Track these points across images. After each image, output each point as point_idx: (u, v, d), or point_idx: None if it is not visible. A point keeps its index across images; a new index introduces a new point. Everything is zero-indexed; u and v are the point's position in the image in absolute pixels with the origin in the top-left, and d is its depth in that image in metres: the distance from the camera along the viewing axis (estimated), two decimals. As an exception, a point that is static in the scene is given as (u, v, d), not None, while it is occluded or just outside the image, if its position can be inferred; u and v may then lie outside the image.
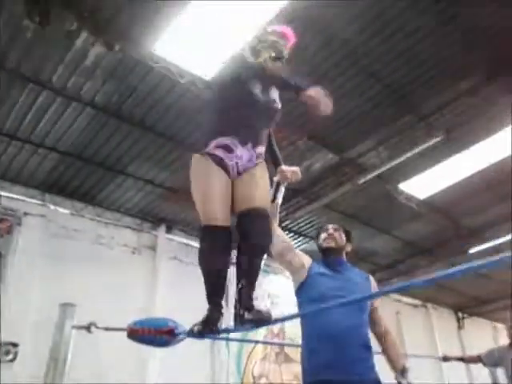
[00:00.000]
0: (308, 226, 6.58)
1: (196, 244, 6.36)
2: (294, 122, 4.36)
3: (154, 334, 1.98)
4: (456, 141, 4.84)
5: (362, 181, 5.13)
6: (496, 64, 3.99)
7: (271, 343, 7.01)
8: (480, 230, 6.97)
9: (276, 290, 7.31)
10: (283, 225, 6.43)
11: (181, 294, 5.49)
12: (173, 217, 6.04)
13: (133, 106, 4.29)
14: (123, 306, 4.87)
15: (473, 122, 4.64)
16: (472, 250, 7.34)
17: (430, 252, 7.34)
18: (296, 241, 6.99)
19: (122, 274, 5.37)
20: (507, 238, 7.06)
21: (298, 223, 6.51)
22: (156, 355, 5.15)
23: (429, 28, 3.68)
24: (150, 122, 4.48)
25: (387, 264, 7.77)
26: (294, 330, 7.21)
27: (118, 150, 4.77)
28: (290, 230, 6.65)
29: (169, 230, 6.09)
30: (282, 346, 7.12)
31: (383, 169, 4.94)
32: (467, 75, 4.16)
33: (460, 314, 10.59)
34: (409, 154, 4.77)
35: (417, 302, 9.48)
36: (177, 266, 6.06)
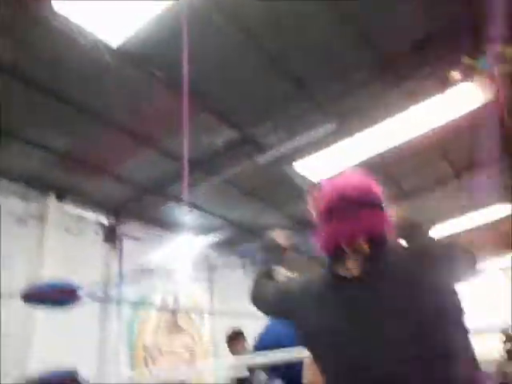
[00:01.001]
0: (206, 199, 6.69)
1: (90, 216, 6.16)
2: (196, 94, 4.41)
3: (57, 295, 1.92)
4: (350, 126, 5.25)
5: (260, 159, 5.36)
6: (390, 57, 4.40)
7: (166, 310, 7.07)
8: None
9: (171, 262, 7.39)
10: (182, 198, 6.48)
11: (71, 267, 5.30)
12: (65, 186, 5.73)
13: (28, 65, 3.96)
14: (6, 276, 4.63)
15: (366, 110, 5.07)
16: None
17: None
18: (193, 215, 7.08)
19: (5, 245, 5.01)
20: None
21: (197, 197, 6.59)
22: (40, 326, 4.98)
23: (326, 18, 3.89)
24: (46, 83, 4.18)
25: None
26: (186, 301, 7.39)
27: (6, 110, 4.39)
28: (188, 204, 6.70)
29: (60, 200, 5.77)
30: (175, 316, 7.25)
31: (281, 149, 5.20)
32: (362, 67, 4.51)
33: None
34: (304, 137, 5.10)
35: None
36: (67, 238, 5.80)
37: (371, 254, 1.06)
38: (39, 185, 5.59)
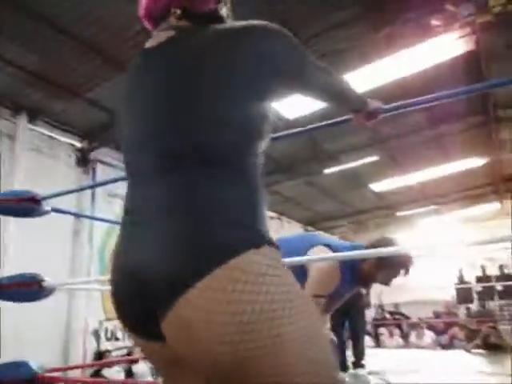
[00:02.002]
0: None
1: (61, 137, 6.10)
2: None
3: (18, 203, 1.93)
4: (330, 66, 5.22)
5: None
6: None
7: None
8: (337, 153, 7.83)
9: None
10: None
11: (41, 186, 5.33)
12: (37, 107, 5.61)
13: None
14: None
15: (345, 52, 5.04)
16: (327, 171, 8.27)
17: (289, 169, 8.08)
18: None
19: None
20: (358, 162, 8.10)
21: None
22: (12, 238, 5.08)
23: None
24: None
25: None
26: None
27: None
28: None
29: (31, 119, 5.67)
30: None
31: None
32: (343, 7, 4.44)
33: (309, 228, 12.04)
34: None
35: (273, 214, 10.47)
36: (39, 159, 5.77)
37: (180, 26, 0.93)
38: (10, 103, 5.46)
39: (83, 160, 6.35)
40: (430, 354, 6.15)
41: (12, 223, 4.98)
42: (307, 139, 7.13)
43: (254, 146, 0.87)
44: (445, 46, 4.98)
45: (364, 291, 4.64)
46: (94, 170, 6.51)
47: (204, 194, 0.77)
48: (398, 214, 12.32)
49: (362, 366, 4.16)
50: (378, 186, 10.01)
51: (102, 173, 6.48)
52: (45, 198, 2.10)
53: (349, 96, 1.21)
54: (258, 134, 0.88)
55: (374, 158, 8.11)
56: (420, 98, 1.67)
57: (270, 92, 0.92)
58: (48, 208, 2.03)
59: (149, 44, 0.96)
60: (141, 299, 0.76)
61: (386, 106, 1.55)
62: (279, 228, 10.59)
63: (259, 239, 0.76)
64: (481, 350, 5.29)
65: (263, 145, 0.91)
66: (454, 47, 5.06)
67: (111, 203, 6.69)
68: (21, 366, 1.90)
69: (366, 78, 5.33)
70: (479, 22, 4.35)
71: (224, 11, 1.01)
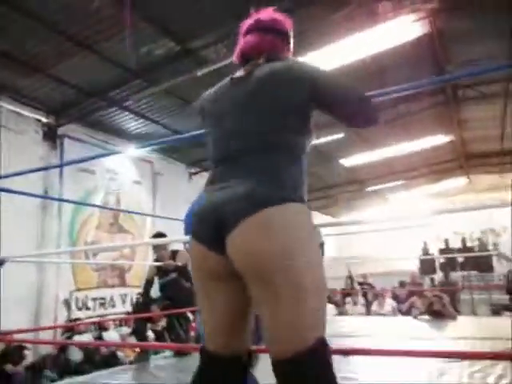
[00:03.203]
0: (148, 108, 6.80)
1: (28, 113, 6.17)
2: (137, 2, 4.39)
3: None
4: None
5: (199, 73, 5.45)
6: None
7: (108, 208, 7.44)
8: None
9: (115, 166, 7.62)
10: (125, 105, 6.57)
11: (7, 164, 5.45)
12: (3, 83, 5.67)
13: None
14: None
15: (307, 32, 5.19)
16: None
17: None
18: (136, 122, 7.20)
19: None
20: (326, 139, 8.32)
21: (139, 105, 6.68)
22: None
23: None
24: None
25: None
26: (129, 204, 7.75)
27: None
28: (131, 111, 6.80)
29: (-4, 96, 5.74)
30: (116, 216, 7.64)
31: (219, 64, 5.30)
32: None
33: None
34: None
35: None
36: (6, 134, 5.85)
37: (259, 64, 1.36)
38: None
39: (50, 135, 6.44)
40: (380, 320, 6.59)
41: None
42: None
43: (305, 142, 1.31)
44: (401, 29, 5.16)
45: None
46: (61, 144, 6.61)
47: (268, 166, 1.22)
48: (368, 188, 12.66)
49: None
50: (348, 161, 10.27)
51: (70, 148, 6.59)
52: (6, 177, 2.27)
53: None
54: (308, 134, 1.34)
55: (341, 135, 8.35)
56: (387, 89, 1.91)
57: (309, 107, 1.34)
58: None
59: (238, 74, 1.39)
60: (217, 224, 1.18)
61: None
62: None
63: (300, 199, 1.21)
64: (426, 317, 5.71)
65: (310, 141, 1.35)
66: (410, 30, 5.25)
67: (80, 178, 6.83)
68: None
69: (328, 57, 5.48)
70: (427, 7, 4.54)
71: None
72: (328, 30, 5.20)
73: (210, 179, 1.32)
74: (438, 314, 5.52)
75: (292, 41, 1.53)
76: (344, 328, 5.29)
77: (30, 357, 5.54)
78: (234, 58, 1.49)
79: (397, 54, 5.63)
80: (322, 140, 8.36)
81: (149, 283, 4.28)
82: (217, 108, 1.39)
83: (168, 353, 3.99)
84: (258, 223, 1.12)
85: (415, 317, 5.90)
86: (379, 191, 13.27)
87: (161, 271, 4.23)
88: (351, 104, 1.31)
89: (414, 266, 11.75)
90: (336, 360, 1.16)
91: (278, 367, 1.12)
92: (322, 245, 5.01)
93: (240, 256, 1.15)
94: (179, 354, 3.85)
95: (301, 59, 1.46)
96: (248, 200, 1.15)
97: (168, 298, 4.15)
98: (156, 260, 4.38)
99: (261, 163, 1.22)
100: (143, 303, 4.22)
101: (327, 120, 6.38)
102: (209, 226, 1.21)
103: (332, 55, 5.50)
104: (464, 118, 8.39)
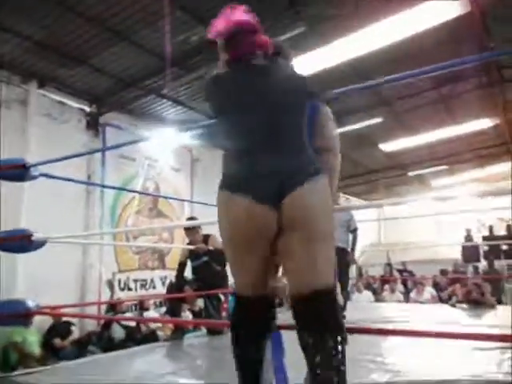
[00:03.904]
0: (186, 95, 6.92)
1: (72, 103, 6.44)
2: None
3: (6, 168, 2.26)
4: (318, 34, 5.34)
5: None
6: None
7: (148, 194, 7.73)
8: (340, 115, 7.93)
9: (154, 154, 7.83)
10: (162, 92, 6.72)
11: (53, 152, 5.69)
12: (47, 74, 5.93)
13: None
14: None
15: (339, 17, 5.12)
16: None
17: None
18: (175, 109, 7.36)
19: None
20: (363, 124, 8.17)
21: (177, 92, 6.81)
22: (25, 205, 5.53)
23: None
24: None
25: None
26: (167, 190, 7.98)
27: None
28: (169, 99, 6.96)
29: (41, 85, 6.01)
30: (156, 201, 7.89)
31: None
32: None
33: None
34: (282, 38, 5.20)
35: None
36: (49, 123, 6.13)
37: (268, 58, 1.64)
38: (21, 71, 5.80)
39: (93, 123, 6.70)
40: (417, 307, 6.50)
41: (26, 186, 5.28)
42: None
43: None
44: (441, 8, 4.99)
45: (349, 248, 4.92)
46: (103, 132, 6.86)
47: (302, 147, 1.58)
48: (410, 173, 12.36)
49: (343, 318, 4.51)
50: (388, 146, 10.07)
51: (111, 136, 6.83)
52: (35, 165, 2.43)
53: None
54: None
55: (379, 120, 8.19)
56: (424, 68, 1.78)
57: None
58: (36, 173, 2.36)
59: (252, 62, 1.62)
60: (280, 187, 1.46)
61: (390, 77, 1.84)
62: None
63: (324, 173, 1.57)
64: (463, 305, 5.59)
65: None
66: (450, 10, 5.07)
67: (121, 165, 7.09)
68: (18, 303, 2.31)
69: (367, 40, 5.39)
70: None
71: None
72: (367, 12, 5.09)
73: (246, 152, 1.55)
74: (476, 302, 5.40)
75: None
76: (381, 314, 5.29)
77: (76, 333, 5.89)
78: (229, 57, 1.64)
79: (437, 34, 5.45)
80: (360, 125, 8.25)
81: (182, 265, 4.42)
82: (246, 94, 1.59)
83: (201, 332, 4.14)
84: (309, 188, 1.47)
85: (453, 305, 5.79)
86: (422, 177, 12.93)
87: (193, 254, 4.36)
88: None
89: (457, 253, 11.44)
90: (372, 341, 1.21)
91: (299, 302, 1.46)
92: (355, 230, 4.99)
93: (296, 208, 1.45)
94: (212, 332, 3.99)
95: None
96: (301, 172, 1.50)
97: (200, 279, 4.29)
98: (189, 244, 4.52)
99: (297, 144, 1.57)
100: (176, 284, 4.37)
101: (365, 104, 6.30)
102: (271, 189, 1.47)
103: (372, 37, 5.41)
104: (510, 100, 8.01)
